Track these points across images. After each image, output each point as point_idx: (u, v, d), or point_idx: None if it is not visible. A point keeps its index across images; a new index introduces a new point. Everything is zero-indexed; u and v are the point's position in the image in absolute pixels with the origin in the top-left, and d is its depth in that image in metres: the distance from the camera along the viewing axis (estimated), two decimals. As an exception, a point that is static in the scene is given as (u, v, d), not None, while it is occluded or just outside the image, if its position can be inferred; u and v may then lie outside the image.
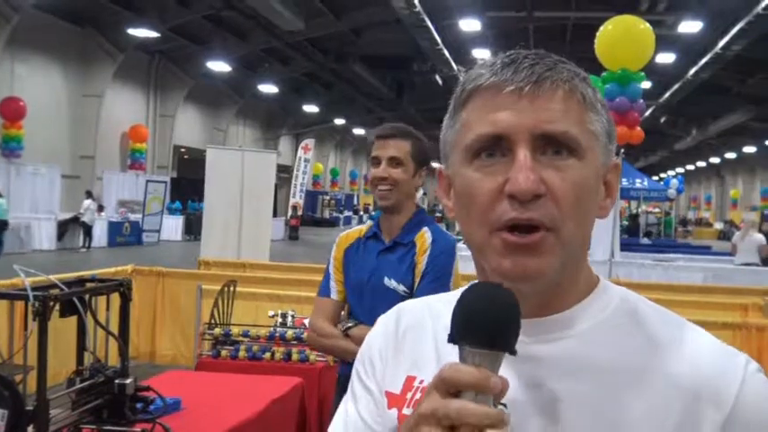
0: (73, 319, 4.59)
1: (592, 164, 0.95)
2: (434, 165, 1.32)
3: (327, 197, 52.55)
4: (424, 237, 3.07)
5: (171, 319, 8.71)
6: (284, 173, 39.08)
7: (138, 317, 8.31)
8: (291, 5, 26.59)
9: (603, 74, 12.66)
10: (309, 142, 38.04)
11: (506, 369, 0.84)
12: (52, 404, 4.14)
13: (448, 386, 0.80)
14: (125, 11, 27.23)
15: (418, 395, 1.01)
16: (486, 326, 0.83)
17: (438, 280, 2.98)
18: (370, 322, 2.83)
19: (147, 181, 30.38)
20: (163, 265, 10.03)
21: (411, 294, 2.97)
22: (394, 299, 2.91)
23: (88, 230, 25.50)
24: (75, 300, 4.37)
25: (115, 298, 5.20)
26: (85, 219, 25.35)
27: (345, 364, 3.10)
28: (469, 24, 26.01)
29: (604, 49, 12.48)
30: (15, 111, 25.27)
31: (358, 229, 3.32)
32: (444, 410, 0.78)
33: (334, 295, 3.17)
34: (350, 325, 3.07)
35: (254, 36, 31.57)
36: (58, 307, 4.31)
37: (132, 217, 29.00)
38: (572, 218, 0.93)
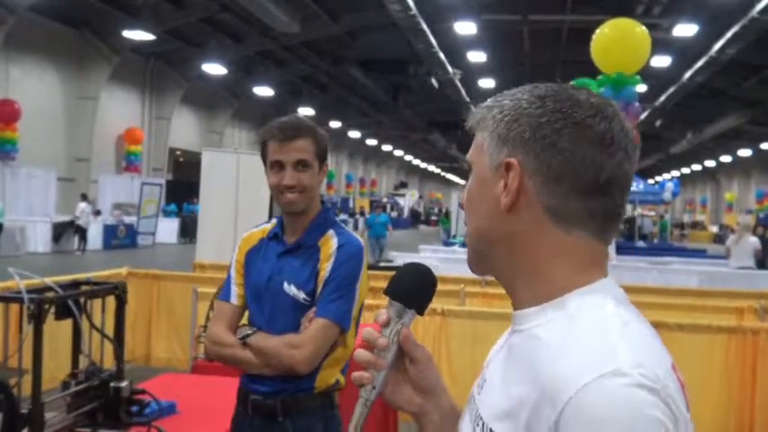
0: (68, 322, 4.58)
1: (478, 171, 1.18)
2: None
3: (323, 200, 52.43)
4: (330, 242, 2.81)
5: (166, 321, 8.70)
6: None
7: (134, 320, 8.30)
8: (287, 8, 26.59)
9: (599, 77, 12.68)
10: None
11: (503, 342, 1.20)
12: (47, 407, 4.13)
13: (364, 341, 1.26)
14: (120, 13, 27.20)
15: None
16: (401, 287, 1.27)
17: (341, 289, 2.73)
18: (271, 330, 2.76)
19: (143, 183, 30.35)
20: (158, 267, 10.02)
21: (312, 303, 2.74)
22: (293, 306, 2.77)
23: (83, 233, 25.47)
24: (70, 303, 4.36)
25: (111, 301, 5.19)
26: (81, 222, 25.31)
27: (245, 377, 2.87)
28: (465, 27, 26.03)
29: (600, 52, 12.51)
30: (10, 113, 25.24)
31: (262, 229, 3.01)
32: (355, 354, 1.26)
33: (234, 300, 2.89)
34: (248, 333, 2.78)
35: (249, 38, 31.56)
36: (53, 310, 4.30)
37: (127, 219, 28.97)
38: (467, 215, 1.20)
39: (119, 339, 4.88)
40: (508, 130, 1.12)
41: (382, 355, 1.24)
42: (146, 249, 28.00)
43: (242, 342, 2.78)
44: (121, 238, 27.92)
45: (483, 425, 1.09)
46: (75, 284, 5.07)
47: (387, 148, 64.30)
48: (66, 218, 26.02)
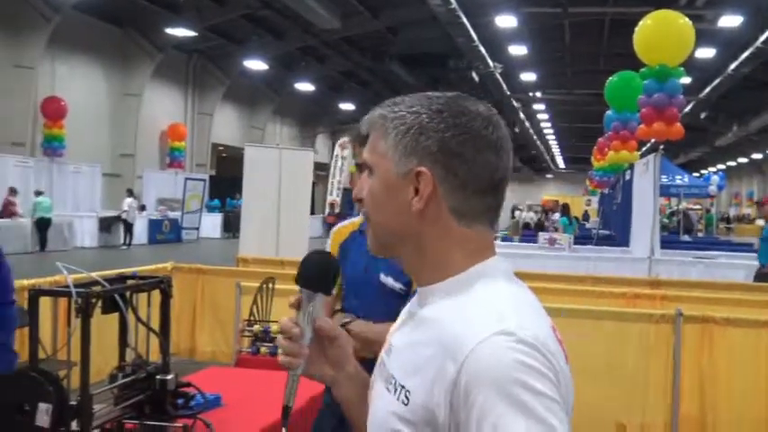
0: (115, 316, 4.65)
1: (381, 176, 1.33)
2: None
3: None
4: None
5: (210, 315, 8.78)
6: (321, 171, 39.19)
7: (179, 314, 8.39)
8: (328, 4, 26.66)
9: (642, 69, 12.53)
10: (346, 140, 38.03)
11: (406, 314, 1.40)
12: (95, 399, 4.20)
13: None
14: (164, 10, 27.49)
15: None
16: (304, 274, 1.45)
17: None
18: (368, 318, 2.81)
19: (186, 179, 30.66)
20: (202, 262, 10.12)
21: (408, 293, 2.83)
22: (391, 296, 2.87)
23: (129, 228, 25.80)
24: (117, 297, 4.43)
25: (156, 295, 5.26)
26: (127, 217, 25.65)
27: None
28: (505, 21, 25.88)
29: (643, 44, 12.35)
30: (57, 110, 25.63)
31: (351, 222, 3.20)
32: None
33: None
34: (347, 320, 2.91)
35: (290, 35, 31.68)
36: (100, 304, 4.37)
37: (172, 215, 29.28)
38: (370, 211, 1.36)
39: (164, 333, 4.95)
40: (416, 142, 1.29)
41: (302, 342, 1.42)
42: (190, 244, 28.29)
43: (344, 328, 2.88)
44: (166, 233, 28.24)
45: (395, 382, 1.27)
46: (122, 279, 5.15)
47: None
48: (112, 213, 26.39)
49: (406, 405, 1.23)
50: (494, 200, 1.32)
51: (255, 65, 33.06)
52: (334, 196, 36.97)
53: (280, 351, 1.44)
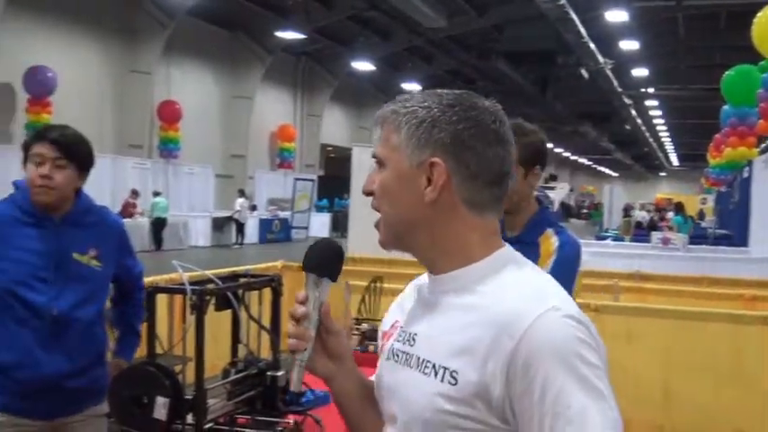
0: (227, 313, 4.78)
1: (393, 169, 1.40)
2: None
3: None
4: (550, 240, 2.95)
5: (319, 314, 8.89)
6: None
7: (288, 311, 8.53)
8: (434, 3, 26.64)
9: (761, 63, 12.06)
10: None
11: (418, 301, 1.47)
12: (209, 394, 4.33)
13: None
14: (273, 14, 28.01)
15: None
16: (311, 259, 1.47)
17: (563, 285, 2.89)
18: None
19: (296, 179, 31.16)
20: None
21: None
22: None
23: (241, 227, 26.41)
24: (229, 294, 4.54)
25: (267, 292, 5.37)
26: (238, 216, 26.27)
27: None
28: (616, 15, 25.28)
29: (762, 36, 11.89)
30: (172, 113, 26.44)
31: None
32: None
33: None
34: None
35: (397, 35, 31.80)
36: (213, 301, 4.49)
37: (282, 214, 29.83)
38: (381, 203, 1.42)
39: (275, 330, 5.04)
40: (429, 134, 1.36)
41: (308, 326, 1.46)
42: (299, 243, 28.76)
43: None
44: (276, 233, 28.78)
45: (434, 365, 1.33)
46: (234, 277, 5.27)
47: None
48: (224, 213, 27.07)
49: (453, 385, 1.30)
50: (500, 190, 1.41)
51: (363, 66, 33.34)
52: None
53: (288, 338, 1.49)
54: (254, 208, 28.53)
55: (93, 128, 22.13)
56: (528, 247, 2.98)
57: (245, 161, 31.42)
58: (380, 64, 34.02)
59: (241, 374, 4.47)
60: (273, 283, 5.27)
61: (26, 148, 3.04)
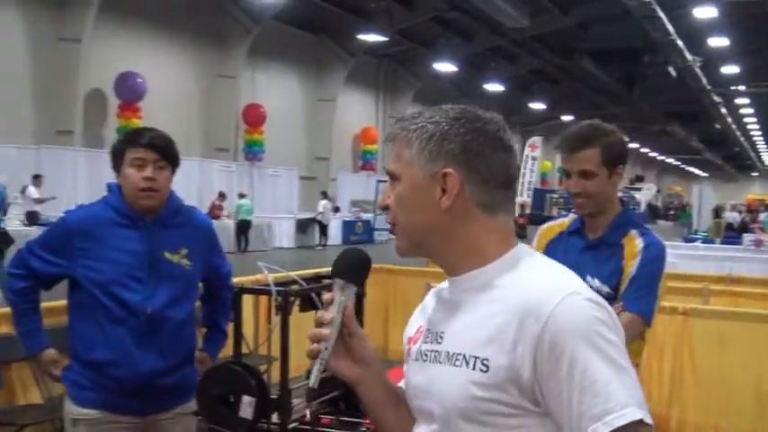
0: (311, 314, 4.82)
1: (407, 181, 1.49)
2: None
3: (555, 195, 51.70)
4: (634, 241, 2.95)
5: (402, 315, 8.90)
6: (511, 171, 38.82)
7: (371, 313, 8.54)
8: (517, 3, 26.43)
9: None
10: (537, 140, 37.64)
11: (439, 304, 1.56)
12: (294, 394, 4.38)
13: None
14: (356, 17, 28.20)
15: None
16: (340, 266, 1.56)
17: (648, 287, 2.88)
18: None
19: (378, 181, 31.28)
20: (394, 262, 10.28)
21: (615, 296, 2.86)
22: None
23: (324, 229, 26.65)
24: (313, 295, 4.59)
25: (350, 294, 5.41)
26: (322, 218, 26.52)
27: None
28: (705, 12, 24.64)
29: None
30: (257, 117, 26.83)
31: (560, 223, 3.23)
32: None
33: None
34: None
35: (479, 36, 31.66)
36: (298, 302, 4.55)
37: (364, 216, 29.99)
38: (398, 215, 1.51)
39: (358, 331, 5.05)
40: (440, 147, 1.46)
41: (329, 329, 1.52)
42: (382, 245, 28.83)
43: None
44: (359, 234, 28.94)
45: (464, 356, 1.41)
46: (318, 278, 5.32)
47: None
48: (308, 215, 27.36)
49: (485, 372, 1.38)
50: (511, 192, 1.51)
51: (445, 67, 33.28)
52: (524, 197, 36.62)
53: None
54: (337, 210, 28.76)
55: (180, 131, 22.65)
56: (611, 248, 2.98)
57: (329, 163, 31.70)
58: (462, 65, 33.91)
59: (326, 375, 4.49)
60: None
61: (120, 152, 3.12)
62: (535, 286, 1.40)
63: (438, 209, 1.47)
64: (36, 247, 3.15)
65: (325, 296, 1.57)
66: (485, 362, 1.38)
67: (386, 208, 1.54)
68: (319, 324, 1.54)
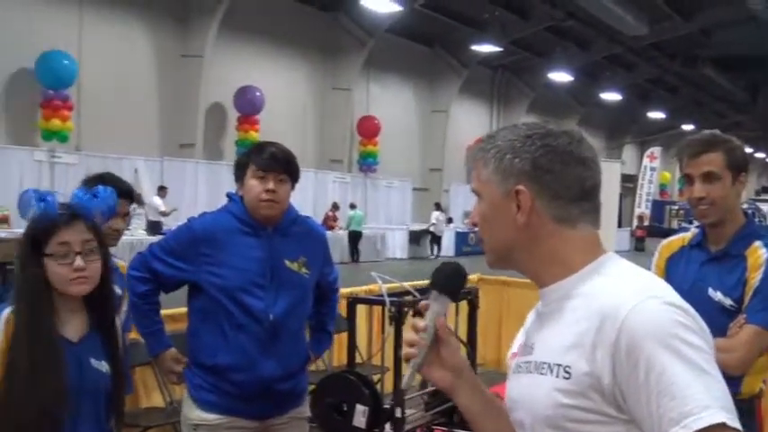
0: (425, 325, 4.81)
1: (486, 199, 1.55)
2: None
3: (675, 207, 50.29)
4: (758, 252, 2.84)
5: (516, 327, 8.72)
6: (628, 182, 38.03)
7: (485, 324, 8.50)
8: (635, 10, 25.87)
9: None
10: (655, 150, 36.74)
11: (535, 317, 1.60)
12: (407, 404, 4.39)
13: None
14: (469, 28, 28.17)
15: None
16: (437, 277, 1.63)
17: None
18: None
19: (491, 192, 31.09)
20: (508, 274, 10.19)
21: (738, 309, 2.78)
22: (718, 312, 2.78)
23: (437, 240, 26.67)
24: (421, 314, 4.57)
25: (463, 306, 5.39)
26: (435, 229, 26.54)
27: None
28: (837, 15, 23.55)
29: None
30: (371, 128, 27.11)
31: (681, 237, 3.15)
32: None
33: None
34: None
35: (595, 44, 31.14)
36: (411, 312, 4.56)
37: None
38: (484, 232, 1.58)
39: (471, 343, 5.05)
40: (511, 165, 1.51)
41: (423, 336, 1.57)
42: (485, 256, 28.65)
43: None
44: (472, 246, 28.81)
45: (549, 365, 1.43)
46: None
47: (746, 150, 59.95)
48: (421, 226, 27.43)
49: (567, 379, 1.40)
50: (589, 204, 1.52)
51: (560, 77, 32.86)
52: (642, 209, 35.76)
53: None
54: (449, 221, 28.73)
55: (296, 143, 23.11)
56: (734, 260, 2.89)
57: (442, 174, 31.73)
58: (578, 74, 33.42)
59: (438, 386, 4.48)
60: (470, 296, 5.28)
61: (243, 165, 3.22)
62: (614, 291, 1.41)
63: (515, 225, 1.51)
64: (159, 250, 3.26)
65: (421, 304, 1.63)
66: (567, 369, 1.40)
67: (474, 224, 1.61)
68: (414, 331, 1.60)
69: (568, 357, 1.40)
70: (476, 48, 28.90)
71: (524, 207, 1.50)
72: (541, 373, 1.45)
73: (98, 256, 2.38)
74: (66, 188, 16.61)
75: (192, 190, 21.05)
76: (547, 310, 1.54)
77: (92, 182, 3.15)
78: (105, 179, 3.24)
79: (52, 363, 2.29)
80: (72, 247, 2.32)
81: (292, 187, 3.26)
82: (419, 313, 1.65)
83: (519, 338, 1.67)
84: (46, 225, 2.33)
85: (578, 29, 29.30)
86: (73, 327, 2.40)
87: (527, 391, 1.49)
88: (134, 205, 3.74)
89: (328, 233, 21.58)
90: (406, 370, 1.61)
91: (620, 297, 1.38)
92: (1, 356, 2.29)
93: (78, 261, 2.32)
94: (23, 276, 2.37)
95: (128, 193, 3.47)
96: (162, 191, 18.49)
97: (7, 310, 2.34)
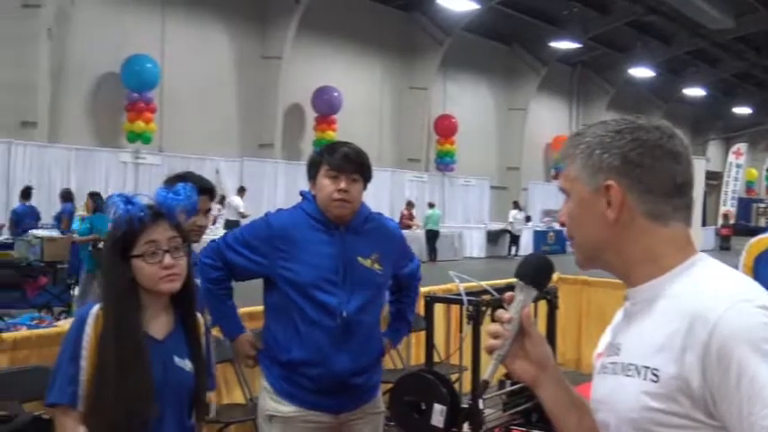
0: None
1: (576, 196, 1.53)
2: None
3: (763, 205, 48.90)
4: None
5: (596, 328, 8.64)
6: (713, 180, 37.12)
7: (564, 324, 8.40)
8: (720, 3, 25.25)
9: None
10: (741, 146, 35.76)
11: (622, 317, 1.55)
12: (485, 404, 4.36)
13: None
14: (548, 25, 27.90)
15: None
16: (524, 268, 1.62)
17: None
18: None
19: (571, 191, 30.72)
20: (589, 274, 10.05)
21: None
22: None
23: (515, 239, 26.47)
24: (505, 305, 4.54)
25: (542, 305, 5.33)
26: (512, 228, 26.35)
27: None
28: None
29: None
30: (448, 127, 27.07)
31: None
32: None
33: None
34: None
35: (678, 39, 30.48)
36: (489, 312, 4.53)
37: (556, 226, 29.51)
38: (573, 230, 1.56)
39: (550, 343, 4.97)
40: (600, 160, 1.48)
41: (507, 327, 1.55)
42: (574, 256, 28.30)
43: None
44: (551, 244, 28.49)
45: (636, 367, 1.41)
46: (510, 288, 5.25)
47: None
48: (498, 225, 27.26)
49: (655, 382, 1.36)
50: (681, 200, 1.49)
51: (641, 72, 32.26)
52: (727, 206, 34.85)
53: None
54: (528, 219, 28.49)
55: (373, 142, 23.27)
56: None
57: (520, 173, 31.49)
58: (660, 69, 32.76)
59: (517, 386, 4.46)
60: (549, 295, 5.23)
61: (316, 164, 3.25)
62: (706, 293, 1.38)
63: (606, 222, 1.48)
64: (234, 241, 3.32)
65: (506, 295, 1.61)
66: (655, 371, 1.37)
67: (563, 224, 1.59)
68: (498, 322, 1.58)
69: (657, 360, 1.38)
70: (554, 44, 28.60)
71: (615, 203, 1.46)
72: (628, 375, 1.42)
73: (183, 253, 2.42)
74: (150, 188, 17.08)
75: (272, 189, 21.35)
76: (635, 310, 1.50)
77: (173, 181, 3.22)
78: (186, 178, 3.31)
79: (139, 362, 2.33)
80: (160, 245, 2.37)
81: (365, 186, 3.29)
82: (501, 306, 1.63)
83: (605, 337, 1.63)
84: (132, 226, 2.37)
85: (660, 23, 28.73)
86: (159, 325, 2.45)
87: (612, 393, 1.46)
88: (218, 206, 3.81)
89: (405, 232, 21.66)
90: (489, 362, 1.58)
91: (712, 300, 1.35)
92: (91, 350, 2.35)
93: (167, 259, 2.36)
94: (110, 277, 2.43)
95: (209, 191, 3.53)
96: (242, 191, 18.80)
97: (96, 307, 2.40)
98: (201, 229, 3.51)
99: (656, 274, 1.47)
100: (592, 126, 1.55)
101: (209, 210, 3.60)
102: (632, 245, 1.48)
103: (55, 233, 12.41)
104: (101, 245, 10.23)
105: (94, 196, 11.55)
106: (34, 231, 12.14)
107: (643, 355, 1.40)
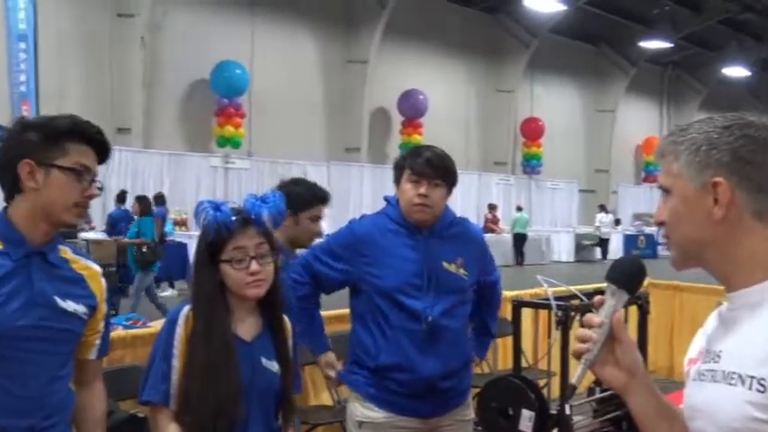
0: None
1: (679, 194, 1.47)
2: None
3: None
4: None
5: (689, 334, 8.37)
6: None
7: (656, 331, 8.21)
8: (819, -2, 24.37)
9: None
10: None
11: (719, 322, 1.50)
12: (574, 410, 4.29)
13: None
14: (637, 25, 27.40)
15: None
16: (616, 271, 1.57)
17: None
18: None
19: (662, 193, 30.05)
20: (680, 278, 9.80)
21: None
22: None
23: (604, 243, 26.03)
24: (594, 310, 4.46)
25: (633, 311, 5.22)
26: (599, 232, 25.93)
27: None
28: None
29: None
30: (535, 130, 26.85)
31: None
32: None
33: None
34: None
35: (774, 36, 29.57)
36: (578, 317, 4.46)
37: (647, 230, 28.89)
38: (672, 229, 1.49)
39: (642, 350, 4.87)
40: (708, 156, 1.42)
41: (597, 332, 1.51)
42: (666, 260, 27.35)
43: None
44: (642, 248, 27.90)
45: (740, 376, 1.35)
46: (598, 293, 5.15)
47: None
48: (587, 228, 26.85)
49: (762, 392, 1.31)
50: None
51: (735, 71, 31.36)
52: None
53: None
54: (617, 222, 27.97)
55: (460, 146, 23.21)
56: None
57: (609, 176, 30.98)
58: (756, 68, 31.78)
59: (607, 393, 4.38)
60: (640, 300, 5.12)
61: (400, 167, 3.26)
62: None
63: (711, 220, 1.42)
64: (321, 252, 3.37)
65: (596, 298, 1.57)
66: (762, 382, 1.32)
67: (661, 223, 1.52)
68: (588, 326, 1.54)
69: (764, 370, 1.32)
70: (644, 44, 28.06)
71: (723, 200, 1.40)
72: (730, 384, 1.37)
73: (271, 260, 2.45)
74: (239, 192, 17.42)
75: (358, 193, 21.51)
76: (735, 315, 1.44)
77: (286, 186, 3.33)
78: (299, 183, 3.40)
79: (227, 363, 2.38)
80: (247, 251, 2.41)
81: (449, 191, 3.27)
82: (590, 311, 1.59)
83: (698, 343, 1.58)
84: (221, 232, 2.42)
85: (755, 21, 27.93)
86: (247, 327, 2.49)
87: (712, 402, 1.41)
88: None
89: (490, 236, 21.56)
90: (579, 366, 1.54)
91: None
92: (182, 350, 2.41)
93: (254, 265, 2.40)
94: (200, 280, 2.48)
95: (322, 198, 3.61)
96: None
97: (187, 307, 2.46)
98: (314, 236, 3.58)
99: (760, 279, 1.40)
100: (696, 122, 1.49)
101: (320, 217, 3.66)
102: (737, 245, 1.42)
103: (101, 236, 12.72)
104: (144, 248, 10.74)
105: (141, 200, 11.72)
106: (82, 234, 12.33)
107: (748, 364, 1.35)
